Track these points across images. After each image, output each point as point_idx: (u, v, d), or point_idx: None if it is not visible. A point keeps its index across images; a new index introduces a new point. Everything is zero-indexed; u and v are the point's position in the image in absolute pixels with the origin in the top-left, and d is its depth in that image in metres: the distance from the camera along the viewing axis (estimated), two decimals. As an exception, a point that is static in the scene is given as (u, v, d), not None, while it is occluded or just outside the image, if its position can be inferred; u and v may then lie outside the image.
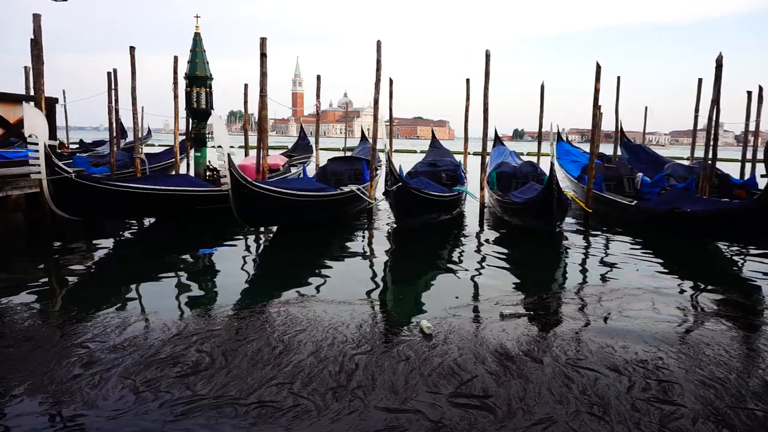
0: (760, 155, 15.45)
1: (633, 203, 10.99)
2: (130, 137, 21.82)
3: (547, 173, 13.28)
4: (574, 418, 3.39)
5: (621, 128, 17.27)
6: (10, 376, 3.89)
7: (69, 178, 8.04)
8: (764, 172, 10.53)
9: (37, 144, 7.58)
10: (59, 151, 16.30)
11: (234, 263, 7.72)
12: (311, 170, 16.40)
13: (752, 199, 8.30)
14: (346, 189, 11.12)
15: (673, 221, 9.37)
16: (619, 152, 17.19)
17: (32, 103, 7.95)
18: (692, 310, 5.88)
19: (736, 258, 8.65)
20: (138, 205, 9.55)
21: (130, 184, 9.34)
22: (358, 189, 11.19)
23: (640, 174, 13.12)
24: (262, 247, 9.21)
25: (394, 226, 10.17)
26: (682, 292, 6.56)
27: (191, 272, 7.34)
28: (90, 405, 3.50)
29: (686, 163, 16.33)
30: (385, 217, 11.72)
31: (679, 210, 9.14)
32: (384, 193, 9.62)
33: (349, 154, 18.31)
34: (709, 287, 6.85)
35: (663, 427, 3.31)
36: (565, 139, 18.62)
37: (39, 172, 7.72)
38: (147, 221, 10.88)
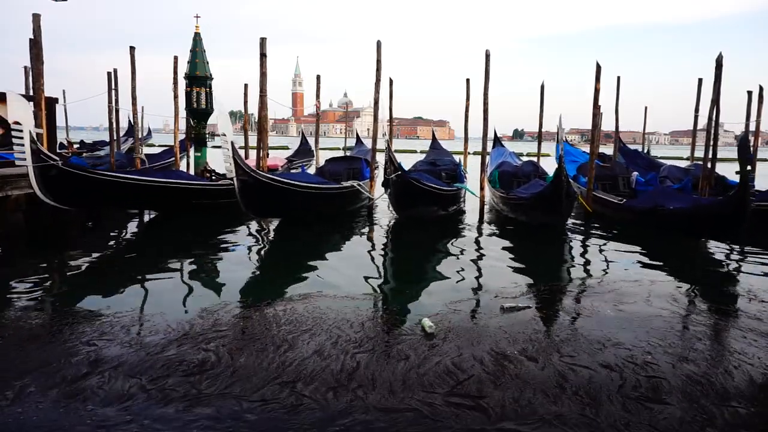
0: (760, 155, 15.46)
1: (622, 201, 11.01)
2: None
3: (548, 173, 13.38)
4: (567, 419, 3.45)
5: (618, 134, 17.21)
6: (19, 374, 3.93)
7: (55, 165, 7.93)
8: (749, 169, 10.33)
9: (21, 131, 7.48)
10: (66, 152, 16.27)
11: (237, 261, 7.78)
12: (311, 171, 16.40)
13: (726, 197, 8.38)
14: (346, 184, 11.14)
15: (656, 219, 9.44)
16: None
17: (13, 94, 7.75)
18: (684, 306, 5.97)
19: (727, 256, 8.74)
20: (128, 196, 9.41)
21: (118, 174, 9.25)
22: (359, 184, 11.22)
23: (635, 173, 13.14)
24: (263, 244, 9.24)
25: (395, 219, 10.17)
26: (675, 288, 6.67)
27: (195, 270, 7.41)
28: (99, 403, 3.54)
29: (684, 164, 16.34)
30: (385, 214, 11.74)
31: (661, 208, 9.21)
32: (383, 183, 9.62)
33: (347, 154, 18.32)
34: (702, 285, 6.97)
35: (653, 428, 3.37)
36: (564, 139, 18.49)
37: (24, 160, 7.60)
38: (147, 218, 10.87)
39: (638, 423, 3.41)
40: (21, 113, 7.47)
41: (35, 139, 7.74)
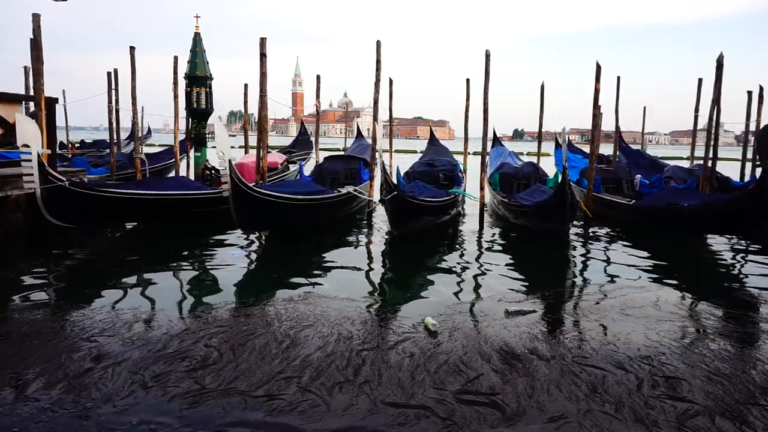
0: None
1: (631, 202, 10.98)
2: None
3: (548, 174, 13.38)
4: (587, 416, 3.39)
5: (619, 133, 17.21)
6: (23, 369, 3.91)
7: (63, 186, 7.97)
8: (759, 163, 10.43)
9: (30, 153, 7.55)
10: (67, 152, 16.30)
11: (239, 262, 7.73)
12: (309, 167, 16.39)
13: (743, 191, 8.33)
14: (343, 191, 11.12)
15: (670, 217, 9.42)
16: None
17: (24, 112, 7.88)
18: (693, 306, 5.93)
19: (735, 255, 8.68)
20: (133, 211, 9.47)
21: (125, 190, 9.27)
22: (356, 190, 11.21)
23: (639, 176, 13.13)
24: (266, 245, 9.21)
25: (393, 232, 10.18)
26: (682, 289, 6.61)
27: (195, 270, 7.37)
28: (100, 399, 3.52)
29: (686, 164, 16.32)
30: (385, 218, 11.71)
31: (675, 205, 9.19)
32: (380, 200, 9.66)
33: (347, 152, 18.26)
34: (710, 284, 6.90)
35: (681, 425, 3.30)
36: (566, 140, 18.43)
37: (32, 182, 7.64)
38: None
39: (666, 420, 3.34)
40: (31, 135, 7.55)
41: (43, 161, 7.83)
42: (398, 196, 8.66)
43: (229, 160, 7.72)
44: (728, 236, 9.34)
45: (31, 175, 7.62)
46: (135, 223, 10.54)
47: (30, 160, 7.58)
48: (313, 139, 19.36)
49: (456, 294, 6.23)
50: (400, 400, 3.54)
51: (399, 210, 8.99)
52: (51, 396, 3.54)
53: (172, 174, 15.52)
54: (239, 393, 3.60)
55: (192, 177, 13.90)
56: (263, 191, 8.68)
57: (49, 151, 9.37)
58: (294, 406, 3.45)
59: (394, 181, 8.83)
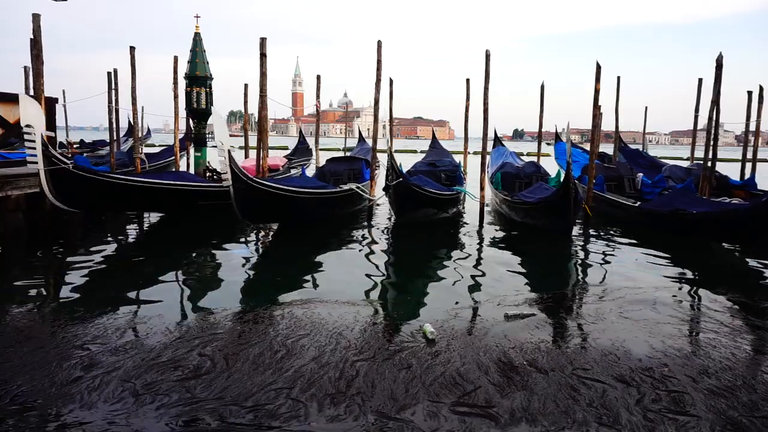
0: (761, 155, 15.45)
1: (636, 204, 10.94)
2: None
3: (550, 173, 13.38)
4: (583, 430, 3.32)
5: (618, 133, 17.19)
6: (10, 377, 3.87)
7: (67, 168, 7.92)
8: None
9: (33, 134, 7.46)
10: (67, 152, 16.27)
11: (236, 265, 7.68)
12: (310, 172, 16.40)
13: (758, 200, 8.24)
14: (345, 187, 11.13)
15: (677, 223, 9.32)
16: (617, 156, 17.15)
17: (26, 96, 7.82)
18: (696, 312, 5.84)
19: (738, 259, 8.61)
20: (137, 199, 9.42)
21: (129, 177, 9.27)
22: (358, 187, 11.21)
23: (641, 174, 13.08)
24: (263, 248, 9.19)
25: (394, 222, 10.18)
26: (685, 293, 6.54)
27: (193, 274, 7.32)
28: (89, 408, 3.48)
29: (685, 164, 16.31)
30: (385, 216, 11.70)
31: (682, 211, 9.08)
32: (384, 188, 9.68)
33: (348, 154, 18.32)
34: (713, 289, 6.80)
35: None
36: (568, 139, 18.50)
37: (36, 163, 7.57)
38: (147, 221, 10.86)
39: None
40: (33, 116, 7.49)
41: (46, 142, 7.77)
42: (402, 183, 8.69)
43: (228, 151, 7.72)
44: (736, 245, 9.23)
45: (35, 156, 7.55)
46: (138, 220, 10.53)
47: (33, 141, 7.49)
48: (312, 142, 19.38)
49: (456, 298, 6.14)
50: (390, 413, 3.47)
51: (403, 197, 9.04)
52: (34, 406, 3.49)
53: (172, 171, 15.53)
54: (228, 404, 3.54)
55: (192, 177, 13.88)
56: (262, 181, 8.69)
57: (52, 134, 9.34)
58: (279, 418, 3.40)
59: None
